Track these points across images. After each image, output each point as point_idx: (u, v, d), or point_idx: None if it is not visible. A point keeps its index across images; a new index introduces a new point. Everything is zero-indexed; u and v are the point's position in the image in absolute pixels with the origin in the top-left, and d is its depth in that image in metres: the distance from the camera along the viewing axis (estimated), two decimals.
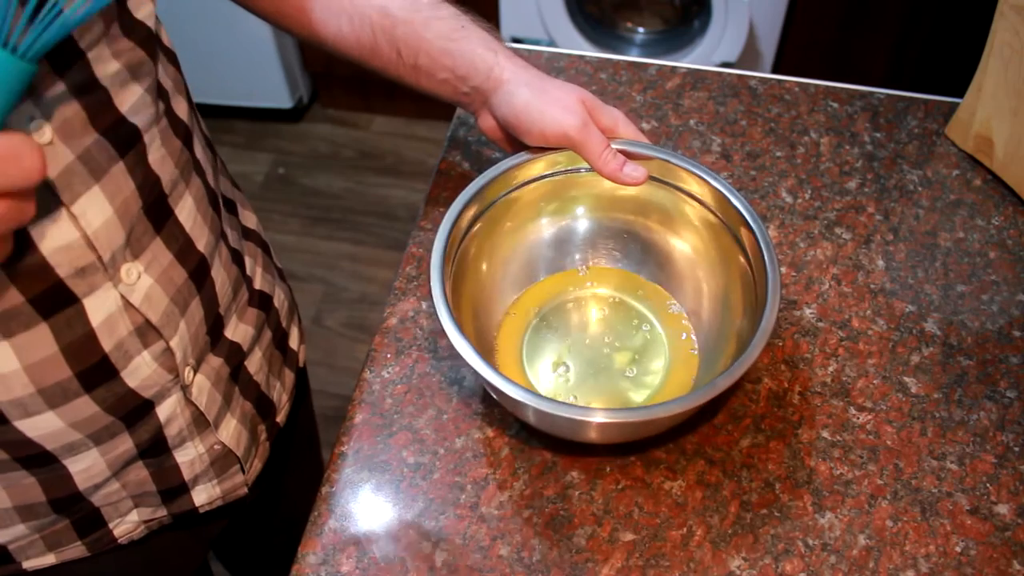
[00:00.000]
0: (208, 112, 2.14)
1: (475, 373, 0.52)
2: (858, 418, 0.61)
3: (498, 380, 0.52)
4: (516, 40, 1.81)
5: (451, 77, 0.63)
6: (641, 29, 1.83)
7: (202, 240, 0.54)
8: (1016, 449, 0.59)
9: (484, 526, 0.56)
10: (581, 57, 0.87)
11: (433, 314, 0.67)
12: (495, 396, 0.58)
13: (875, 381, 0.63)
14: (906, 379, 0.63)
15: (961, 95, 0.78)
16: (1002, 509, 0.57)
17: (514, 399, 0.52)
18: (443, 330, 0.54)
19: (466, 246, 0.62)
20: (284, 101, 2.06)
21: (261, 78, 2.00)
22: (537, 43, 1.72)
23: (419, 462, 0.59)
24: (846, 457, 0.59)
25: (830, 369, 0.64)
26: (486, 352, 0.62)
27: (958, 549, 0.55)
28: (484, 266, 0.64)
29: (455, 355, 0.64)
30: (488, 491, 0.58)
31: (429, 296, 0.68)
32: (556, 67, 0.86)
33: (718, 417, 0.61)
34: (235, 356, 0.60)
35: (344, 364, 1.70)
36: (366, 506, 0.57)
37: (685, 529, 0.56)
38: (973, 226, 0.73)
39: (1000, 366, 0.64)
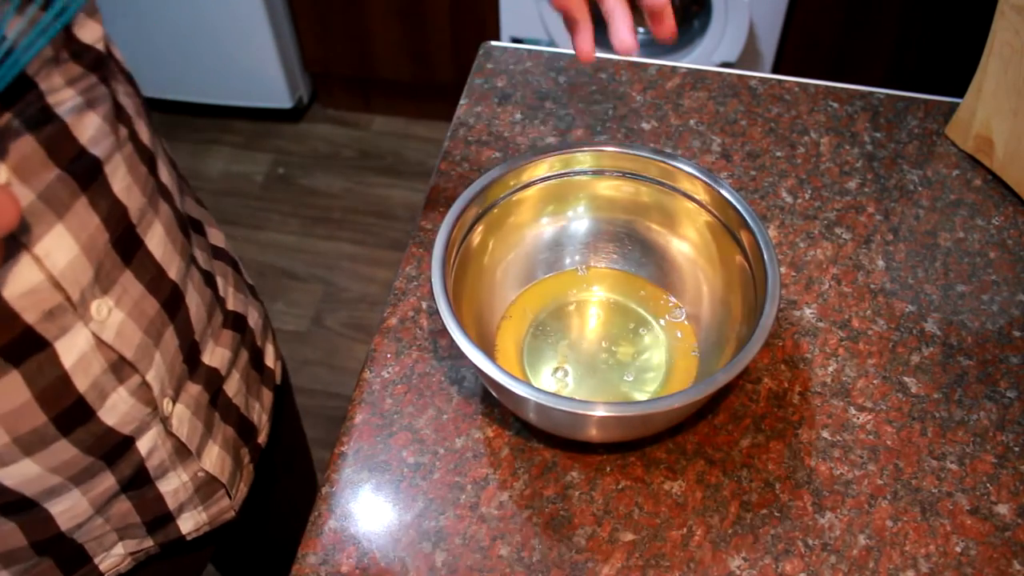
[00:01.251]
0: (208, 112, 2.15)
1: (475, 373, 0.52)
2: (858, 418, 0.61)
3: (499, 375, 0.52)
4: (516, 40, 1.81)
5: None
6: (641, 29, 1.83)
7: (173, 267, 0.52)
8: (1016, 449, 0.59)
9: (484, 526, 0.56)
10: None
11: (433, 314, 0.67)
12: (496, 394, 0.58)
13: (875, 381, 0.63)
14: (906, 379, 0.63)
15: (961, 95, 0.78)
16: (1002, 509, 0.57)
17: (516, 395, 0.52)
18: (443, 330, 0.54)
19: (467, 247, 0.62)
20: (284, 101, 2.06)
21: (261, 78, 2.00)
22: (537, 43, 1.72)
23: (419, 462, 0.59)
24: (846, 457, 0.59)
25: (830, 369, 0.64)
26: (486, 353, 0.62)
27: (958, 549, 0.55)
28: (485, 267, 0.64)
29: (455, 355, 0.64)
30: (488, 491, 0.58)
31: (429, 296, 0.68)
32: (556, 67, 0.86)
33: (718, 417, 0.61)
34: (214, 382, 0.58)
35: (344, 364, 1.70)
36: (366, 506, 0.57)
37: (685, 529, 0.56)
38: (973, 226, 0.73)
39: (1000, 366, 0.64)
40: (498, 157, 0.78)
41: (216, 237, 0.65)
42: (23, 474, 0.46)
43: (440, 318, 0.55)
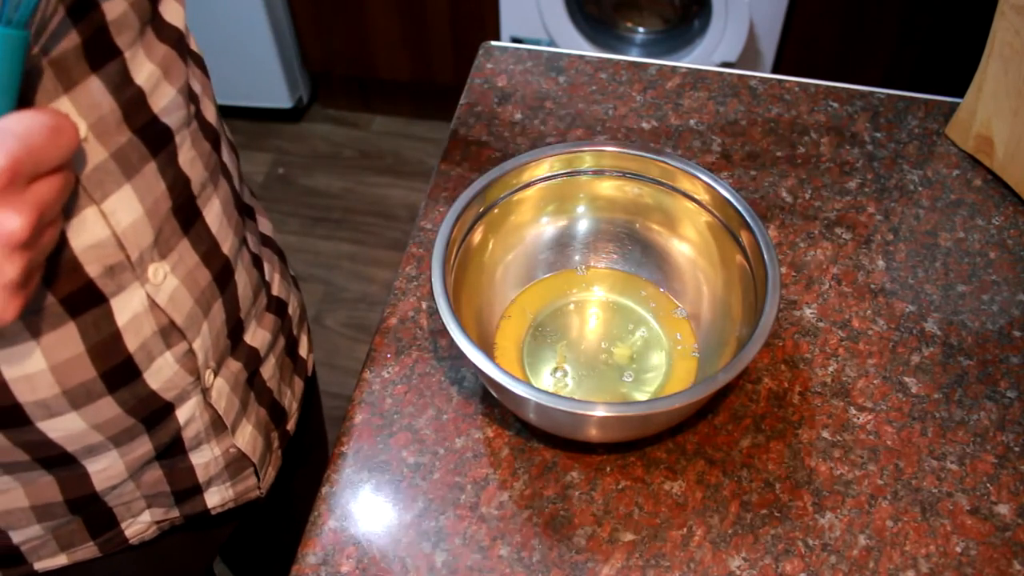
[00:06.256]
0: None
1: (475, 372, 0.52)
2: (858, 418, 0.61)
3: (499, 375, 0.52)
4: (516, 40, 1.81)
5: None
6: (641, 29, 1.83)
7: (227, 243, 0.54)
8: (1016, 449, 0.59)
9: (484, 526, 0.56)
10: (581, 57, 0.87)
11: (433, 314, 0.67)
12: (496, 394, 0.58)
13: (875, 381, 0.63)
14: (906, 379, 0.63)
15: (961, 95, 0.78)
16: (1002, 509, 0.57)
17: (516, 395, 0.52)
18: (443, 330, 0.54)
19: (467, 247, 0.62)
20: (284, 101, 2.06)
21: (261, 78, 2.00)
22: (537, 43, 1.72)
23: (419, 462, 0.59)
24: (846, 457, 0.59)
25: (830, 369, 0.64)
26: (486, 353, 0.62)
27: (958, 549, 0.55)
28: (485, 267, 0.64)
29: (455, 355, 0.64)
30: (488, 491, 0.58)
31: (429, 296, 0.68)
32: (556, 67, 0.86)
33: (718, 417, 0.61)
34: (252, 361, 0.60)
35: (344, 364, 1.70)
36: (366, 506, 0.57)
37: (685, 529, 0.56)
38: (973, 226, 0.73)
39: (1000, 366, 0.64)
40: (498, 157, 0.78)
41: (265, 226, 0.68)
42: (68, 428, 0.48)
43: (440, 318, 0.55)
